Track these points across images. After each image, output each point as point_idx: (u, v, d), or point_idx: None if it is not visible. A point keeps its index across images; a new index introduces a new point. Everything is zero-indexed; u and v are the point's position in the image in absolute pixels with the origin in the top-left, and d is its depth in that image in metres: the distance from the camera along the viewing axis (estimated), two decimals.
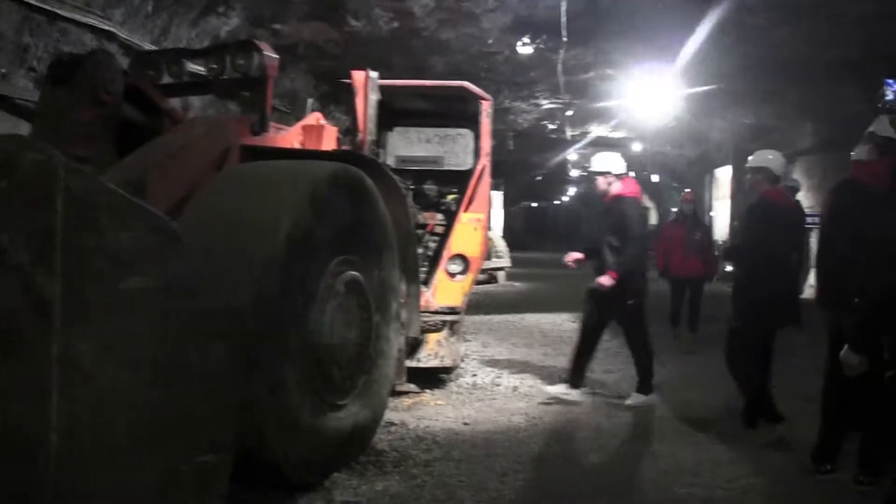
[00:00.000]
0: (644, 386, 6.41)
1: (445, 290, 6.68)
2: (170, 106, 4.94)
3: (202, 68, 5.20)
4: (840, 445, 4.65)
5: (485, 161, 7.10)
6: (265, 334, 3.65)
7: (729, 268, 6.09)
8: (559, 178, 37.93)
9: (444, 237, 6.89)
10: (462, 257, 6.79)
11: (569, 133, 21.07)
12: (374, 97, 6.09)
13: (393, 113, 7.56)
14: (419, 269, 5.65)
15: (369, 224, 4.66)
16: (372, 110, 6.06)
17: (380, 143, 7.49)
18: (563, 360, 8.29)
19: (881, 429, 4.43)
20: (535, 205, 54.75)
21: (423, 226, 7.02)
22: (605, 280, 6.15)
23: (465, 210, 6.90)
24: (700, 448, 5.23)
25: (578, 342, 6.62)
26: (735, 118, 17.40)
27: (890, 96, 6.68)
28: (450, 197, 7.32)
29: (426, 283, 6.43)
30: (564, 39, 11.40)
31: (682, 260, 9.42)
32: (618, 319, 6.51)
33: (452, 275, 6.76)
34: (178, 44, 8.71)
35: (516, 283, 19.11)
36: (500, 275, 19.03)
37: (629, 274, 6.19)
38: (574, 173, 34.66)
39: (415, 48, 11.80)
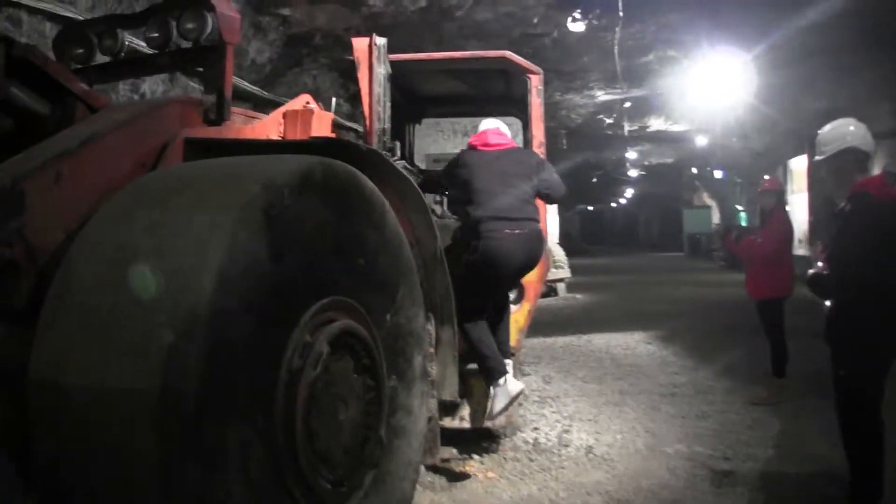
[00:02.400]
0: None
1: None
2: (84, 89, 3.44)
3: (143, 41, 3.77)
4: None
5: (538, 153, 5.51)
6: (182, 434, 2.15)
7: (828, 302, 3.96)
8: (614, 178, 35.88)
9: None
10: None
11: (626, 128, 19.30)
12: (381, 70, 4.46)
13: (420, 101, 6.09)
14: (454, 303, 4.05)
15: (371, 245, 3.11)
16: (380, 88, 4.43)
17: (404, 138, 6.00)
18: (644, 402, 6.68)
19: None
20: (590, 208, 52.96)
21: None
22: None
23: None
24: None
25: None
26: (807, 103, 15.46)
27: None
28: None
29: None
30: (621, 14, 9.83)
31: (750, 274, 7.00)
32: None
33: None
34: None
35: (578, 295, 17.33)
36: (560, 287, 17.28)
37: None
38: (633, 173, 32.76)
39: (448, 32, 10.27)
